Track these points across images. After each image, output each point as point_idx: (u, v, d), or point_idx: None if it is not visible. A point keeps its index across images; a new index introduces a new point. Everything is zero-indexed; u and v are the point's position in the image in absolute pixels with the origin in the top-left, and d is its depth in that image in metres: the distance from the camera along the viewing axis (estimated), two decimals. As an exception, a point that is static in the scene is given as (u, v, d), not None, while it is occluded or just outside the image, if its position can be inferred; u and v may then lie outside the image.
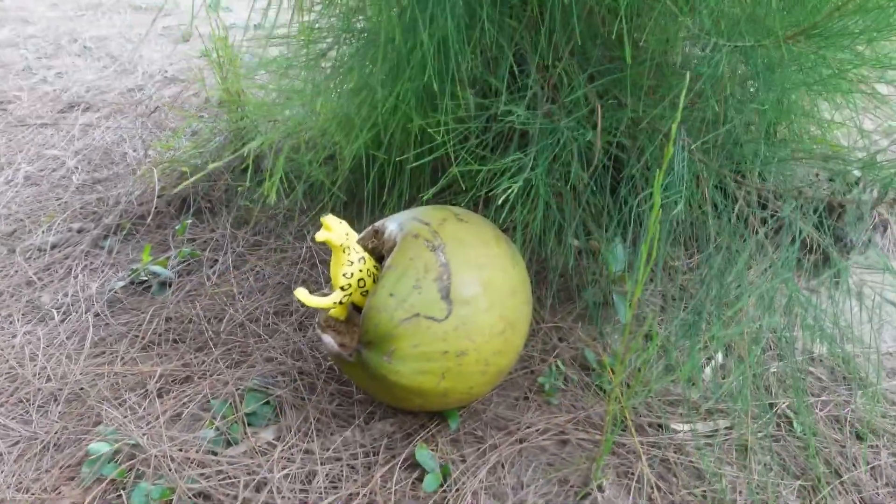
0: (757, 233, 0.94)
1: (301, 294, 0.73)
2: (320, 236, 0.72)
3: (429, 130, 0.94)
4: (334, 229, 0.72)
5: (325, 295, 0.82)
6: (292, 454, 0.80)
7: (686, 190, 0.90)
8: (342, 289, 0.75)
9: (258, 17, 1.05)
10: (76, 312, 1.05)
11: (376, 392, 0.79)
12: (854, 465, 0.83)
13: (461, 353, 0.73)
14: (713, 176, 0.94)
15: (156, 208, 1.30)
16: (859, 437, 0.87)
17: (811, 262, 1.07)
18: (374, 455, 0.80)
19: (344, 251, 0.74)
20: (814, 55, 0.82)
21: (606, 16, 0.95)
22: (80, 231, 1.27)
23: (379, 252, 0.82)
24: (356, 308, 0.83)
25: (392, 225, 0.80)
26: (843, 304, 1.03)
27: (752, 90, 0.96)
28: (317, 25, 1.05)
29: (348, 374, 0.80)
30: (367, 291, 0.77)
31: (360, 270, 0.76)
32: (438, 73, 0.92)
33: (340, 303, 0.76)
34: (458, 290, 0.72)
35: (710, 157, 0.93)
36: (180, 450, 0.81)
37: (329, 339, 0.78)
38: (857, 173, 1.02)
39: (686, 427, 0.86)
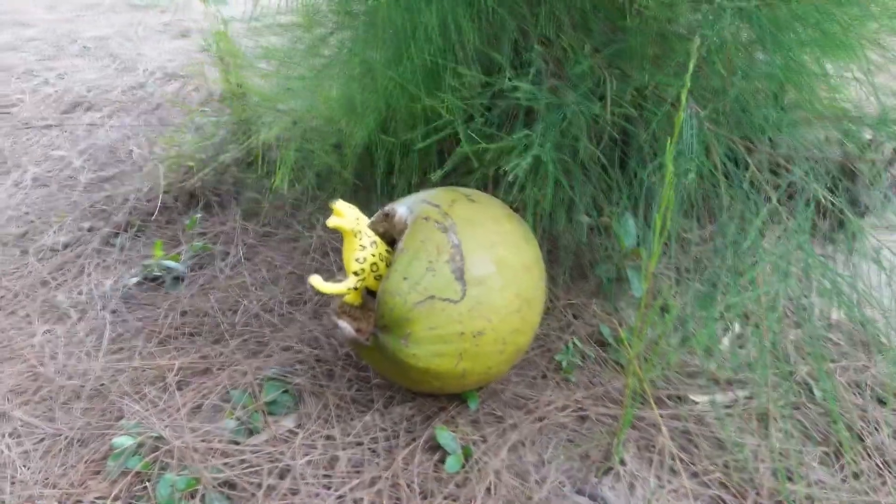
0: (770, 200, 0.93)
1: (315, 281, 0.73)
2: (331, 222, 0.72)
3: (435, 107, 0.93)
4: (345, 214, 0.72)
5: (339, 282, 0.81)
6: (314, 440, 0.81)
7: (696, 159, 0.89)
8: (355, 274, 0.75)
9: (255, 9, 1.05)
10: (92, 310, 1.06)
11: (394, 376, 0.79)
12: (877, 429, 0.83)
13: (478, 333, 0.72)
14: (723, 144, 0.93)
15: (164, 204, 1.30)
16: (881, 402, 0.87)
17: (826, 227, 1.06)
18: (394, 438, 0.81)
19: (355, 236, 0.73)
20: (818, 13, 0.81)
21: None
22: (90, 230, 1.28)
23: (390, 236, 0.82)
24: (370, 293, 0.83)
25: (402, 208, 0.80)
26: (861, 268, 1.02)
27: (759, 55, 0.94)
28: (316, 11, 1.04)
29: (366, 360, 0.80)
30: (380, 275, 0.77)
31: (373, 255, 0.75)
32: (441, 51, 0.92)
33: (355, 288, 0.76)
34: (472, 270, 0.72)
35: (719, 125, 0.92)
36: (203, 440, 0.81)
37: (345, 325, 0.78)
38: (868, 135, 1.01)
39: (706, 398, 0.86)
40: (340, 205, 0.72)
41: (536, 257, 0.80)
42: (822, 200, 0.93)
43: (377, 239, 0.76)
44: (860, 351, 0.95)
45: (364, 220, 0.74)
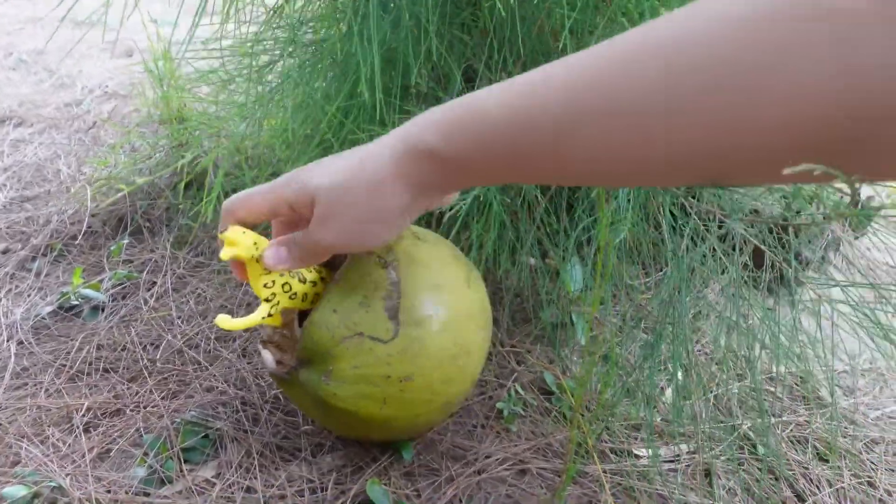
0: (714, 251, 0.92)
1: (221, 320, 0.64)
2: (225, 255, 0.62)
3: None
4: (239, 243, 0.62)
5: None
6: (233, 493, 0.74)
7: (636, 212, 0.88)
8: (267, 300, 0.66)
9: (204, 31, 1.00)
10: (-4, 341, 0.97)
11: (320, 417, 0.74)
12: (818, 487, 0.81)
13: (406, 377, 0.67)
14: (668, 198, 0.92)
15: (89, 227, 1.22)
16: (822, 459, 0.86)
17: (769, 279, 1.06)
18: (322, 491, 0.75)
19: (258, 261, 0.64)
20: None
21: (559, 31, 0.93)
22: (4, 252, 1.18)
23: (331, 263, 0.76)
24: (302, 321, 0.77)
25: None
26: (802, 322, 1.02)
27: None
28: (262, 38, 1.00)
29: (291, 398, 0.74)
30: (296, 294, 0.69)
31: (281, 275, 0.66)
32: (385, 88, 0.89)
33: (269, 315, 0.68)
34: (408, 310, 0.67)
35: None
36: (108, 491, 0.74)
37: (267, 355, 0.72)
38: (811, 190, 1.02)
39: (649, 452, 0.83)
40: (232, 232, 0.62)
41: (482, 306, 0.75)
42: (762, 249, 0.93)
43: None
44: (801, 405, 0.94)
45: (262, 241, 0.64)
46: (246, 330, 0.98)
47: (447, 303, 0.70)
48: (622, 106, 0.38)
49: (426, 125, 0.51)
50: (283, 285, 0.67)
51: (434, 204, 0.60)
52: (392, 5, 0.82)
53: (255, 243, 0.63)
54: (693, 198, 0.96)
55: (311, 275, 0.70)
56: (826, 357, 0.90)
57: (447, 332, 0.70)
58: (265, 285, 0.65)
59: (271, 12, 0.97)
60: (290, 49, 0.98)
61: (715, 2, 0.35)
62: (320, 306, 0.68)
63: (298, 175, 0.60)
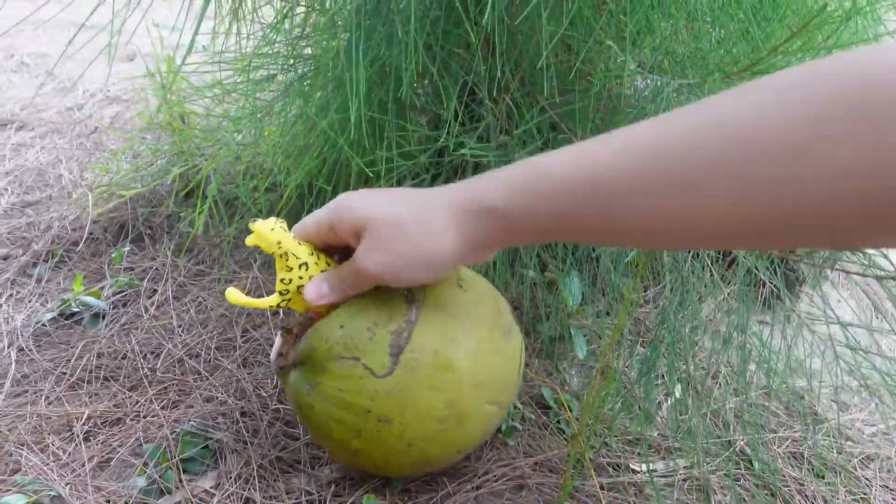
0: (712, 270, 0.93)
1: (231, 294, 0.66)
2: (250, 241, 0.65)
3: (366, 171, 0.89)
4: (265, 238, 0.65)
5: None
6: (232, 503, 0.75)
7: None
8: (280, 293, 0.68)
9: (206, 39, 1.01)
10: (-3, 348, 0.97)
11: (299, 419, 0.73)
12: (813, 503, 0.82)
13: (384, 419, 0.65)
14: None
15: (91, 234, 1.23)
16: (818, 475, 0.86)
17: (766, 294, 1.07)
18: (320, 503, 0.75)
19: (281, 257, 0.66)
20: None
21: (560, 51, 0.94)
22: (5, 258, 1.19)
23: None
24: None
25: None
26: (797, 338, 1.03)
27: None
28: (262, 51, 1.01)
29: (285, 391, 0.75)
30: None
31: (300, 277, 0.67)
32: (381, 103, 0.89)
33: (278, 306, 0.69)
34: (411, 353, 0.64)
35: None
36: (107, 501, 0.74)
37: (278, 342, 0.73)
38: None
39: (646, 467, 0.84)
40: (259, 225, 0.64)
41: (505, 379, 0.71)
42: (755, 269, 0.94)
43: (310, 260, 0.67)
44: (798, 421, 0.95)
45: (288, 241, 0.66)
46: (237, 305, 0.99)
47: (456, 363, 0.67)
48: (685, 178, 0.42)
49: (491, 184, 0.54)
50: (298, 287, 0.67)
51: (479, 260, 0.62)
52: (386, 21, 0.83)
53: (280, 242, 0.65)
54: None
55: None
56: (819, 372, 0.91)
57: (442, 392, 0.66)
58: (281, 280, 0.67)
59: (269, 29, 0.98)
60: (291, 62, 0.99)
61: (769, 92, 0.39)
62: (331, 317, 0.68)
63: (347, 198, 0.63)
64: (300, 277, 0.67)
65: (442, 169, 0.96)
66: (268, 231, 0.65)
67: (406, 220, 0.58)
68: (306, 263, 0.67)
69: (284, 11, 1.00)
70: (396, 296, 0.67)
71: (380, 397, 0.65)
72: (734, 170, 0.39)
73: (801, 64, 0.39)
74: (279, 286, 0.68)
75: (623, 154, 0.45)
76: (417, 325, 0.66)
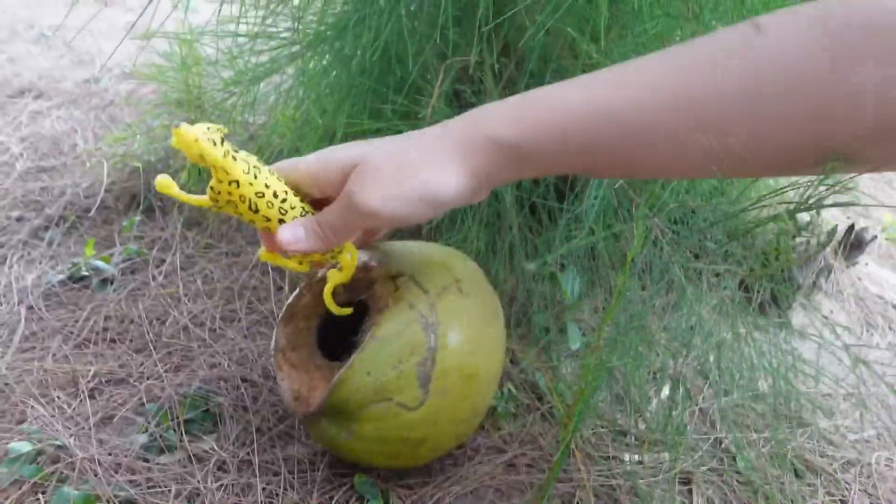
0: (706, 273, 0.95)
1: (162, 182, 0.57)
2: (173, 143, 0.55)
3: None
4: (188, 146, 0.54)
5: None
6: (229, 465, 0.77)
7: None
8: (211, 199, 0.59)
9: (222, 17, 1.04)
10: (7, 304, 1.00)
11: (331, 452, 0.78)
12: (793, 502, 0.84)
13: (420, 441, 0.69)
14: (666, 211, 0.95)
15: (103, 202, 1.25)
16: (797, 475, 0.88)
17: (758, 300, 1.09)
18: (314, 471, 0.78)
19: (213, 169, 0.56)
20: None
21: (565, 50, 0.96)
22: (19, 220, 1.21)
23: (366, 281, 0.71)
24: (323, 355, 0.75)
25: (383, 268, 0.70)
26: (790, 343, 1.05)
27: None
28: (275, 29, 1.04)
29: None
30: (258, 209, 0.58)
31: (229, 192, 0.57)
32: (383, 79, 0.91)
33: (210, 209, 0.60)
34: (439, 378, 0.66)
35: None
36: (109, 454, 0.76)
37: (284, 383, 0.71)
38: (806, 217, 1.06)
39: (632, 458, 0.86)
40: (183, 130, 0.54)
41: (500, 364, 0.75)
42: (748, 275, 0.96)
43: (258, 181, 0.57)
44: (784, 424, 0.97)
45: (214, 155, 0.55)
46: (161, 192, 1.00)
47: (478, 368, 0.69)
48: (703, 106, 0.44)
49: (496, 117, 0.52)
50: (227, 202, 0.59)
51: (478, 198, 0.59)
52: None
53: (202, 155, 0.54)
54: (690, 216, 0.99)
55: (281, 188, 0.59)
56: (808, 378, 0.93)
57: (468, 399, 0.70)
58: (211, 187, 0.58)
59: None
60: (310, 40, 1.01)
61: (790, 27, 0.42)
62: (354, 365, 0.65)
63: (334, 146, 0.58)
64: (229, 193, 0.57)
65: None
66: (191, 140, 0.54)
67: (409, 153, 0.53)
68: (237, 180, 0.57)
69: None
70: (410, 321, 0.66)
71: (416, 425, 0.67)
72: (768, 105, 0.41)
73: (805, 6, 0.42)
74: (209, 192, 0.59)
75: (644, 94, 0.46)
76: (437, 351, 0.66)
